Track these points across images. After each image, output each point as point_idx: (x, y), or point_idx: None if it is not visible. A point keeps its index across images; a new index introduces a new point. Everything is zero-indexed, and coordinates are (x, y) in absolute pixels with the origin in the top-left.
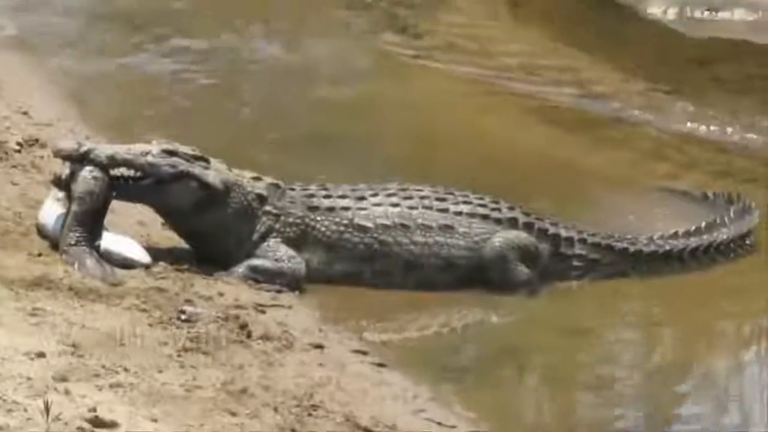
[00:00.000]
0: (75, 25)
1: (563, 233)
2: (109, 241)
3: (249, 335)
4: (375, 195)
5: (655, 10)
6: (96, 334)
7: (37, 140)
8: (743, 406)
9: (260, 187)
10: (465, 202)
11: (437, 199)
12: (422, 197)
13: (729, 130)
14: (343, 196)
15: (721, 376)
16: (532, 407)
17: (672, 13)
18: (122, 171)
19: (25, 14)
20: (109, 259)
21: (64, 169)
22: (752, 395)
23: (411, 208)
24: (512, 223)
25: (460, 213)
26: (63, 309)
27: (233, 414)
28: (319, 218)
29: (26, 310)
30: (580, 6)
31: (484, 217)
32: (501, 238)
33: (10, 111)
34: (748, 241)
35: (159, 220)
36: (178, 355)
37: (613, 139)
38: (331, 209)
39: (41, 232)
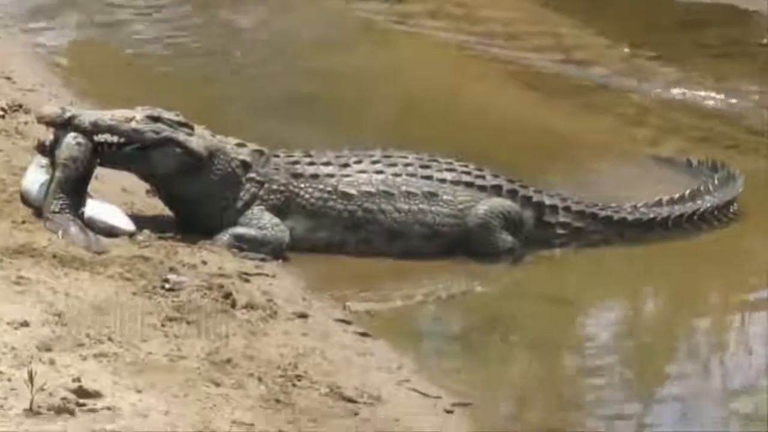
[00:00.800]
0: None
1: (547, 201)
2: (93, 208)
3: (233, 304)
4: (359, 162)
5: None
6: (80, 303)
7: (20, 106)
8: (728, 372)
9: (244, 154)
10: (449, 170)
11: (421, 166)
12: (406, 164)
13: (713, 95)
14: (327, 163)
15: (706, 343)
16: (517, 377)
17: None
18: (106, 137)
19: None
20: (93, 226)
21: (47, 135)
22: (737, 362)
23: (395, 175)
24: (496, 190)
25: (444, 180)
26: (47, 277)
27: (217, 384)
28: (303, 185)
29: (10, 278)
30: None
31: (469, 184)
32: (485, 205)
33: None
34: (732, 209)
35: (143, 187)
36: (162, 325)
37: (596, 105)
38: (315, 176)
39: (25, 199)
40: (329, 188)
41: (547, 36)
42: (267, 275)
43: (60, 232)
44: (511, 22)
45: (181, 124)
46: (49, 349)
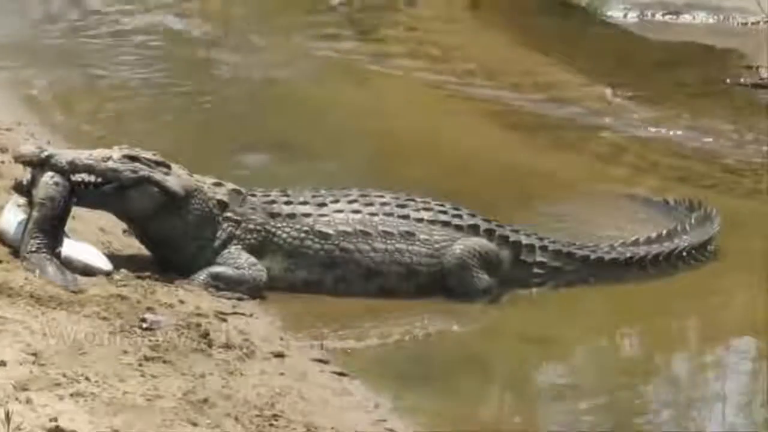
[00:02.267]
0: (35, 32)
1: (524, 240)
2: (70, 247)
3: (210, 344)
4: (336, 201)
5: (615, 14)
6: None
7: None
8: (704, 411)
9: (221, 193)
10: (426, 209)
11: (398, 205)
12: (383, 204)
13: (690, 134)
14: (303, 203)
15: (683, 381)
16: (493, 416)
17: (632, 17)
18: (83, 176)
19: None
20: (70, 266)
21: (25, 175)
22: (713, 400)
23: (372, 214)
24: (473, 230)
25: (421, 220)
26: (24, 316)
27: (194, 424)
28: (279, 225)
29: None
30: (540, 10)
31: (445, 223)
32: (462, 245)
33: None
34: (709, 248)
35: (120, 226)
36: (140, 364)
37: (574, 144)
38: (291, 216)
39: (2, 238)
40: (306, 227)
41: (524, 75)
42: (244, 314)
43: (37, 272)
44: (488, 61)
45: (158, 164)
46: (25, 389)
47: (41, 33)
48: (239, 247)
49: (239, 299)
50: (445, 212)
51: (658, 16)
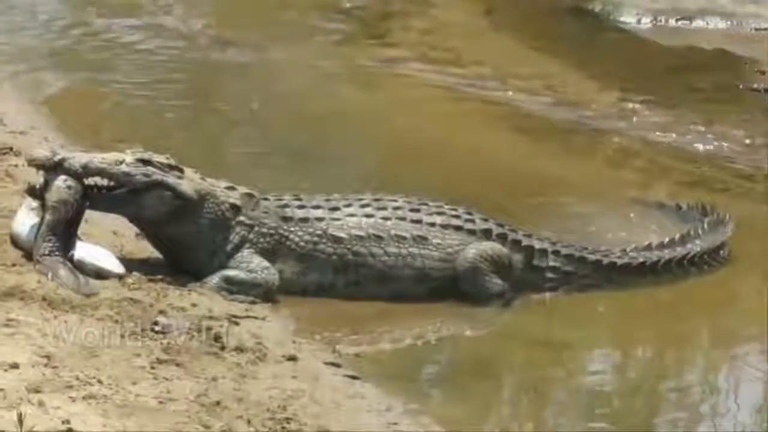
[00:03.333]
0: (50, 36)
1: (537, 245)
2: (82, 251)
3: (222, 347)
4: (349, 205)
5: (629, 19)
6: (70, 345)
7: (11, 148)
8: (717, 417)
9: (234, 197)
10: (438, 213)
11: (411, 209)
12: (396, 208)
13: (703, 139)
14: (316, 207)
15: (696, 388)
16: (505, 421)
17: (646, 22)
18: (96, 180)
19: None
20: (82, 269)
21: (38, 178)
22: (726, 406)
23: (385, 218)
24: (486, 234)
25: (433, 224)
26: (37, 319)
27: (207, 426)
28: (292, 229)
29: (0, 320)
30: (553, 14)
31: (458, 228)
32: (474, 249)
33: None
34: (722, 253)
35: (133, 230)
36: (152, 367)
37: (586, 149)
38: (304, 220)
39: (15, 241)
40: (319, 231)
41: (536, 79)
42: (256, 318)
43: (50, 275)
44: (501, 65)
45: (171, 168)
46: (38, 391)
47: (55, 37)
48: (252, 250)
49: (252, 302)
50: (457, 216)
51: (672, 22)
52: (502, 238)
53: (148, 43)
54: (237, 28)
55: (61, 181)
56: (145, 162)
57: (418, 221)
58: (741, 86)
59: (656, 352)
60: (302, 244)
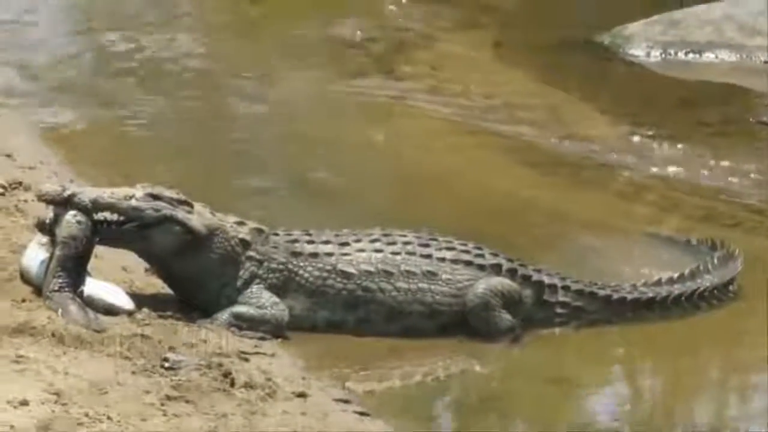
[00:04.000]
0: (59, 69)
1: (546, 280)
2: (92, 287)
3: (232, 383)
4: (358, 241)
5: (638, 52)
6: (80, 381)
7: (20, 183)
8: None
9: (244, 232)
10: (448, 248)
11: (420, 245)
12: (405, 243)
13: (712, 174)
14: (326, 242)
15: (707, 425)
16: None
17: (655, 55)
18: (106, 215)
19: (7, 56)
20: (92, 305)
21: (47, 213)
22: None
23: (394, 253)
24: (496, 269)
25: (443, 259)
26: (46, 356)
27: None
28: (302, 264)
29: (9, 357)
30: (562, 47)
31: (468, 263)
32: (484, 284)
33: None
34: (731, 288)
35: (142, 265)
36: (162, 404)
37: (595, 182)
38: (314, 255)
39: (25, 277)
40: (328, 267)
41: (545, 112)
42: (266, 354)
43: (59, 311)
44: (509, 98)
45: (180, 202)
46: (48, 428)
47: (64, 70)
48: (261, 286)
49: (261, 339)
50: (467, 251)
51: (681, 55)
52: (511, 273)
53: (155, 76)
54: (245, 60)
55: (71, 216)
56: (155, 197)
57: (428, 256)
58: (751, 119)
59: (668, 389)
60: (312, 279)
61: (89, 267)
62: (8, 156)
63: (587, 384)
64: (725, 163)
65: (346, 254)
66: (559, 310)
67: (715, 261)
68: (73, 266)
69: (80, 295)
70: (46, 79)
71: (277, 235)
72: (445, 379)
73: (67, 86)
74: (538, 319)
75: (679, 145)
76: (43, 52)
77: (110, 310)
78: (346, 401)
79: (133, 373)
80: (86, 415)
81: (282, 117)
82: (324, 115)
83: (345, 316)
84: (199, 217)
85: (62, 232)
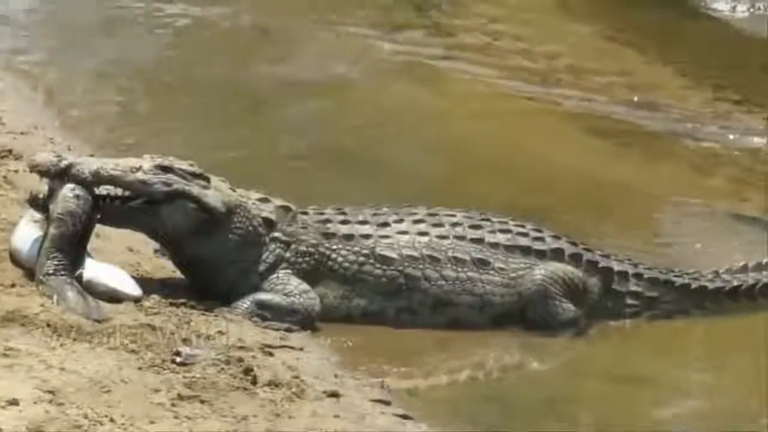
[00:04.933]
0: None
1: (616, 267)
2: (93, 270)
3: (254, 381)
4: (400, 221)
5: (722, 6)
6: (78, 378)
7: (10, 151)
8: None
9: (268, 210)
10: (503, 231)
11: (471, 227)
12: (454, 224)
13: None
14: (363, 222)
15: None
16: None
17: (742, 10)
18: (109, 189)
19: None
20: (93, 291)
21: (41, 186)
22: None
23: (441, 237)
24: (557, 254)
25: (497, 244)
26: (40, 349)
27: None
28: (335, 247)
29: None
30: (636, 1)
31: (525, 249)
32: (543, 271)
33: None
34: None
35: (151, 246)
36: (173, 404)
37: (672, 155)
38: (349, 237)
39: (15, 258)
40: (365, 251)
41: (615, 75)
42: (293, 348)
43: (55, 297)
44: (575, 58)
45: (195, 176)
46: (41, 431)
47: (61, 27)
48: (289, 271)
49: (288, 330)
50: (525, 234)
51: None
52: (575, 258)
53: (171, 31)
54: (275, 14)
55: (68, 190)
56: (166, 169)
57: (480, 240)
58: None
59: (751, 390)
60: (346, 264)
61: (89, 248)
62: None
63: (662, 384)
64: None
65: (385, 236)
66: (630, 301)
67: None
68: (71, 247)
69: (79, 279)
70: (43, 31)
71: (306, 213)
72: (498, 377)
73: (68, 42)
74: (607, 310)
75: (767, 113)
76: (39, 7)
77: (113, 297)
78: (384, 402)
79: (140, 368)
80: (85, 416)
81: (314, 78)
82: (362, 77)
83: (384, 306)
84: (217, 192)
85: (58, 207)
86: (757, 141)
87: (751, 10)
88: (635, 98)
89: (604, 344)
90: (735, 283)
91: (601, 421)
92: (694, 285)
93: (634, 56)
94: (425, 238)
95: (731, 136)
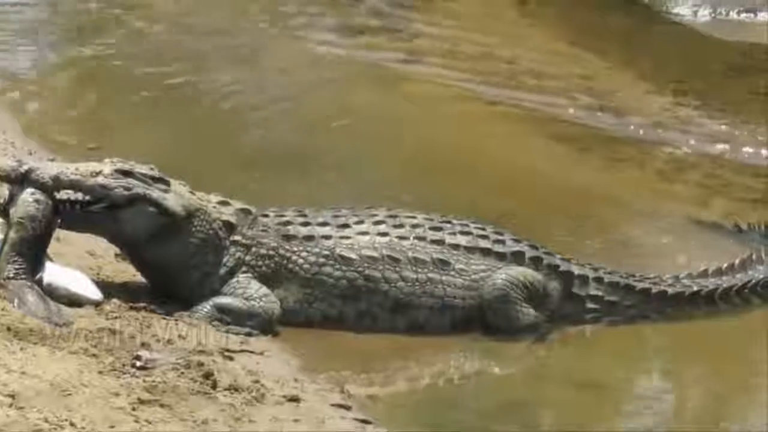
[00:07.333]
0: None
1: (576, 270)
2: (53, 274)
3: (214, 385)
4: (360, 223)
5: (684, 11)
6: (38, 382)
7: None
8: None
9: (228, 213)
10: (463, 233)
11: (432, 228)
12: (414, 226)
13: (766, 150)
14: (323, 224)
15: None
16: None
17: (704, 15)
18: (69, 194)
19: None
20: (53, 294)
21: (1, 191)
22: None
23: (401, 238)
24: (517, 257)
25: (457, 246)
26: (0, 353)
27: None
28: (295, 249)
29: None
30: (597, 5)
31: (486, 251)
32: (504, 274)
33: None
34: None
35: (112, 250)
36: (133, 408)
37: (633, 160)
38: (309, 238)
39: None
40: (326, 252)
41: (577, 79)
42: (254, 352)
43: (15, 301)
44: (537, 62)
45: (155, 180)
46: None
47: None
48: (249, 275)
49: (248, 335)
50: (485, 237)
51: (733, 14)
52: (536, 262)
53: (132, 30)
54: (235, 16)
55: (28, 195)
56: (126, 173)
57: (440, 242)
58: None
59: (713, 395)
60: (306, 266)
61: (50, 251)
62: None
63: (622, 390)
64: None
65: (345, 237)
66: (590, 305)
67: None
68: (31, 251)
69: (39, 283)
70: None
71: (266, 216)
72: (458, 382)
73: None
74: (567, 314)
75: (730, 119)
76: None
77: (74, 301)
78: (345, 407)
79: (100, 372)
80: (46, 420)
81: (273, 81)
82: (322, 80)
83: (344, 308)
84: (177, 196)
85: (18, 212)
86: (719, 146)
87: (713, 15)
88: (597, 103)
89: (565, 349)
90: (695, 288)
91: (562, 425)
92: (654, 290)
93: (595, 61)
94: (385, 239)
95: (693, 141)
